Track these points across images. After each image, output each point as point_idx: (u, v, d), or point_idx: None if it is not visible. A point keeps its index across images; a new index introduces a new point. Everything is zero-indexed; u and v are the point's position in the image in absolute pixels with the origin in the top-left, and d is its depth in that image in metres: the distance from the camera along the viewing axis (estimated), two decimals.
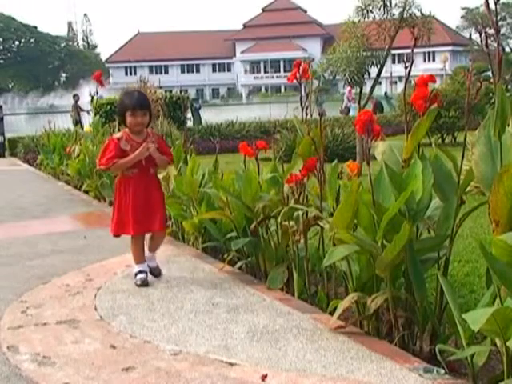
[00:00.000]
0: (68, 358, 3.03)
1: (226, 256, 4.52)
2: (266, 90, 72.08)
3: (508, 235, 2.33)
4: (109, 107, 13.93)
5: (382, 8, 10.36)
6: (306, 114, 3.86)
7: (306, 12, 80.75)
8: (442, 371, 2.65)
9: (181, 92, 19.49)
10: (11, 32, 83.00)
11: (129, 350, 3.09)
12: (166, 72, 78.04)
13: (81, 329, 3.42)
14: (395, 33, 10.23)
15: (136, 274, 4.20)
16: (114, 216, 4.25)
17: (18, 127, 20.68)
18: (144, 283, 4.14)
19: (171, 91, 18.22)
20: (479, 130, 2.66)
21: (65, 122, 16.49)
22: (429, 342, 3.00)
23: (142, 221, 4.16)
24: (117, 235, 4.32)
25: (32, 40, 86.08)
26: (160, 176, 4.66)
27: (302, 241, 3.79)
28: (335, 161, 3.66)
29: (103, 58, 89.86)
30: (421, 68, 41.76)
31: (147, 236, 4.38)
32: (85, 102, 18.32)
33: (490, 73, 2.69)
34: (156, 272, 4.35)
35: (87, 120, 16.62)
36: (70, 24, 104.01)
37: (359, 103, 11.04)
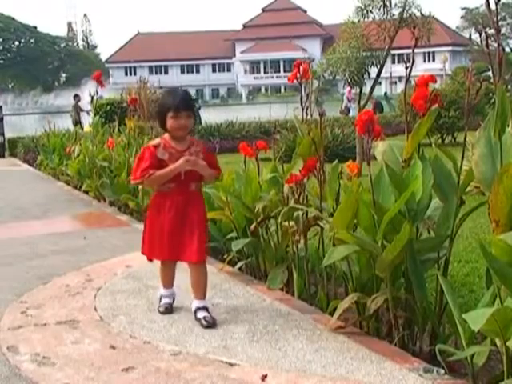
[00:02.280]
0: (68, 358, 3.03)
1: (225, 256, 4.51)
2: (266, 90, 72.15)
3: (508, 235, 2.33)
4: (109, 107, 13.93)
5: (381, 8, 10.35)
6: (306, 114, 3.86)
7: (305, 12, 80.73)
8: (442, 371, 2.65)
9: None
10: (11, 32, 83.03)
11: (129, 351, 3.09)
12: (166, 72, 78.02)
13: (81, 329, 3.42)
14: (395, 33, 10.22)
15: (160, 298, 3.69)
16: (145, 236, 3.60)
17: (18, 127, 20.66)
18: (167, 310, 3.61)
19: None
20: (479, 131, 2.67)
21: (64, 123, 16.48)
22: (429, 342, 3.00)
23: (173, 247, 3.47)
24: (150, 260, 3.69)
25: (32, 40, 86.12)
26: None
27: (302, 241, 3.79)
28: (335, 161, 3.66)
29: (103, 58, 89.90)
30: (420, 68, 41.77)
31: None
32: (84, 102, 18.30)
33: (489, 73, 2.69)
34: (209, 321, 3.39)
35: (87, 120, 16.61)
36: (69, 24, 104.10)
37: (359, 103, 11.03)
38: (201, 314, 3.42)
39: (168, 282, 3.68)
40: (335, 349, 2.98)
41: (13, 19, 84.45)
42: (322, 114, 3.70)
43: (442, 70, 40.33)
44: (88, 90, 10.42)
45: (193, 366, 2.87)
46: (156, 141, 3.55)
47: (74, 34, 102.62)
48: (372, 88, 10.92)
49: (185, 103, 3.45)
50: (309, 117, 3.85)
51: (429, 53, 62.74)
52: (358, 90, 11.21)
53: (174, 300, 3.69)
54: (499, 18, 2.86)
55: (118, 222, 6.78)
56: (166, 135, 3.52)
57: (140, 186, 6.65)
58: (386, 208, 2.93)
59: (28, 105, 53.75)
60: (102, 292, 4.10)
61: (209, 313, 3.44)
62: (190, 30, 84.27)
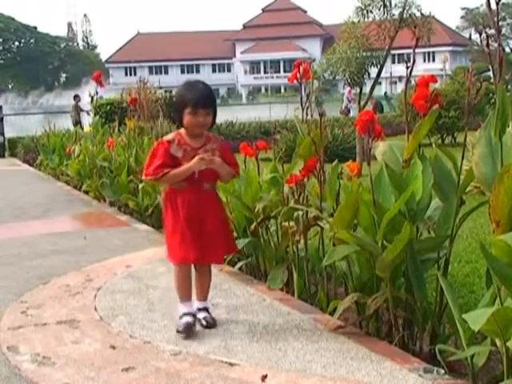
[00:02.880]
0: (68, 358, 3.03)
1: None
2: (266, 90, 72.12)
3: (508, 235, 2.33)
4: (108, 107, 13.95)
5: (381, 8, 10.37)
6: (307, 114, 3.86)
7: (305, 12, 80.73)
8: (442, 371, 2.65)
9: None
10: (11, 32, 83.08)
11: (129, 351, 3.09)
12: (166, 72, 78.01)
13: (81, 329, 3.42)
14: (395, 33, 10.23)
15: (180, 317, 3.31)
16: (168, 240, 3.36)
17: (17, 127, 20.69)
18: (189, 330, 3.24)
19: (171, 91, 18.19)
20: (480, 131, 2.67)
21: (64, 123, 16.49)
22: (429, 343, 3.00)
23: (191, 248, 3.25)
24: (175, 263, 3.41)
25: (32, 40, 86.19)
26: None
27: (302, 241, 3.79)
28: (335, 161, 3.66)
29: (103, 58, 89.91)
30: (420, 68, 41.78)
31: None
32: (84, 102, 18.32)
33: (490, 73, 2.70)
34: (209, 321, 3.36)
35: (87, 120, 16.62)
36: (69, 24, 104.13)
37: (359, 103, 11.04)
38: (201, 315, 3.38)
39: (187, 291, 3.36)
40: (335, 349, 2.98)
41: (13, 19, 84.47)
42: (322, 114, 3.70)
43: (442, 70, 40.35)
44: (88, 91, 10.43)
45: (193, 366, 2.87)
46: (170, 136, 3.34)
47: (74, 34, 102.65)
48: (372, 88, 10.93)
49: (204, 100, 3.22)
50: (309, 117, 3.85)
51: (429, 53, 62.73)
52: (358, 90, 11.22)
53: (195, 316, 3.33)
54: (499, 18, 2.86)
55: (118, 222, 6.78)
56: (182, 130, 3.31)
57: (140, 186, 6.66)
58: (386, 208, 2.93)
59: (28, 105, 53.76)
60: (102, 292, 4.10)
61: (209, 313, 3.40)
62: (190, 30, 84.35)
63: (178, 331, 3.24)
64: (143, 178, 3.46)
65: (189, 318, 3.27)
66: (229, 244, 3.46)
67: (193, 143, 3.27)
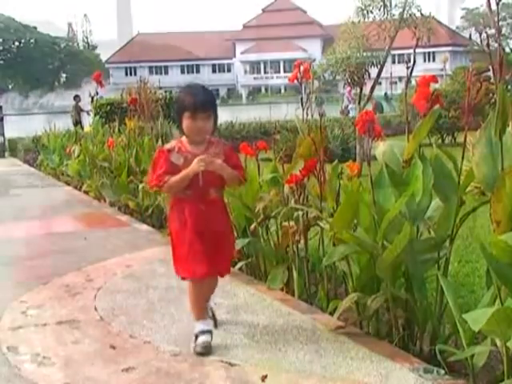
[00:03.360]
0: (68, 358, 3.03)
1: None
2: (266, 90, 72.10)
3: (508, 235, 2.33)
4: (109, 108, 13.93)
5: (381, 8, 10.39)
6: (307, 115, 3.86)
7: (305, 12, 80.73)
8: (442, 371, 2.65)
9: None
10: (11, 33, 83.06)
11: (129, 351, 3.08)
12: (166, 72, 77.98)
13: (81, 329, 3.42)
14: (395, 33, 10.24)
15: (197, 336, 3.08)
16: (176, 254, 3.17)
17: (16, 128, 20.70)
18: (207, 349, 3.03)
19: (171, 92, 18.18)
20: (480, 131, 2.66)
21: (65, 123, 16.49)
22: (429, 343, 2.99)
23: (203, 261, 3.06)
24: (183, 278, 3.24)
25: (32, 40, 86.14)
26: None
27: (302, 241, 3.79)
28: (335, 161, 3.66)
29: (103, 58, 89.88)
30: (421, 68, 41.77)
31: None
32: (85, 102, 18.33)
33: (490, 73, 2.69)
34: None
35: (87, 120, 16.62)
36: (69, 24, 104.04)
37: (359, 103, 11.04)
38: None
39: (204, 308, 3.21)
40: (335, 349, 2.98)
41: (13, 19, 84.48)
42: (322, 115, 3.70)
43: (442, 70, 40.34)
44: (88, 91, 10.44)
45: (193, 367, 2.87)
46: (171, 144, 3.19)
47: (74, 35, 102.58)
48: (372, 88, 10.93)
49: (203, 102, 3.05)
50: (309, 117, 3.85)
51: (429, 53, 62.69)
52: (358, 91, 11.22)
53: (212, 334, 3.12)
54: (499, 18, 2.86)
55: (118, 223, 6.78)
56: (184, 138, 3.14)
57: (140, 186, 6.66)
58: (387, 208, 2.93)
59: (29, 105, 53.78)
60: (102, 292, 4.10)
61: (211, 314, 3.37)
62: (190, 29, 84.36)
63: (195, 351, 3.03)
64: (149, 189, 3.30)
65: (208, 337, 3.08)
66: (232, 252, 3.39)
67: (194, 150, 3.11)
